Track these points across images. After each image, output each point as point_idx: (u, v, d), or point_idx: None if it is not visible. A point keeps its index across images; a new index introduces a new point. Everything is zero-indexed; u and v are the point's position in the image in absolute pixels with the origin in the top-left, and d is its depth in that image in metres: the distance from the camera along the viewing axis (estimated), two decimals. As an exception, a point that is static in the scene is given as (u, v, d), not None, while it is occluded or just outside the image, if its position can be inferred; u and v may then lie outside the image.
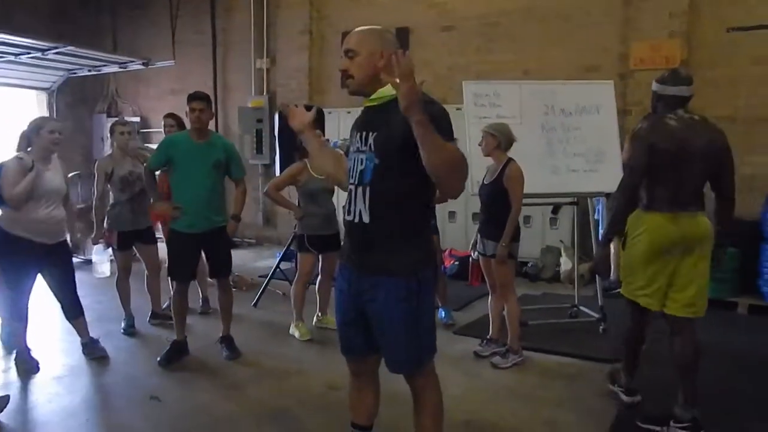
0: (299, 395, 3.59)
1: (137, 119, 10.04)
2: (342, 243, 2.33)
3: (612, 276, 5.72)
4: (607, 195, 4.61)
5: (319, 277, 4.84)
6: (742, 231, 5.67)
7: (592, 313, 4.83)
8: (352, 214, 2.14)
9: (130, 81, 10.28)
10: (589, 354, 4.21)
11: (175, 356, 4.07)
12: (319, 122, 5.45)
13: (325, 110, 6.23)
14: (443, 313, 4.90)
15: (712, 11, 6.33)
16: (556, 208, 6.06)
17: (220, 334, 4.25)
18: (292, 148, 5.21)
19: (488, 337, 4.25)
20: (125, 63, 8.45)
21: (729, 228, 3.11)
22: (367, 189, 2.09)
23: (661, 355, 3.41)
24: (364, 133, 2.13)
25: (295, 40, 8.71)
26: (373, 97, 2.14)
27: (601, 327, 4.67)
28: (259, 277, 6.62)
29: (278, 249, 8.35)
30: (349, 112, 7.74)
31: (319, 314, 4.92)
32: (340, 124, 7.71)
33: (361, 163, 2.11)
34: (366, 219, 2.09)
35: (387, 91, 2.08)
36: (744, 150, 6.23)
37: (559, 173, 4.74)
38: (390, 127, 2.04)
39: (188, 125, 4.15)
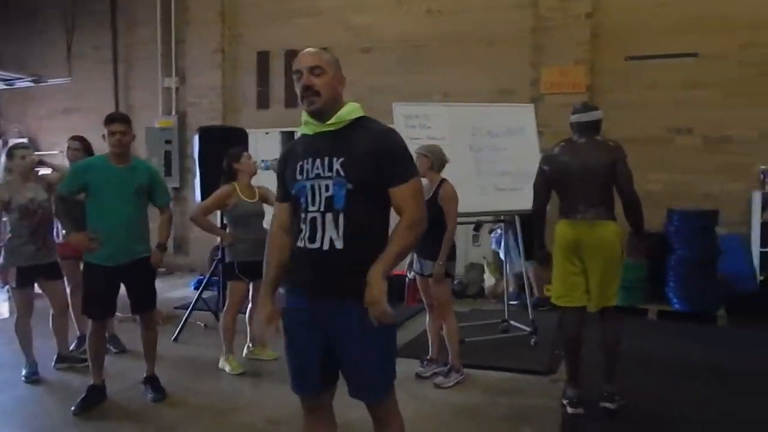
0: (239, 430, 3.39)
1: (24, 140, 9.25)
2: (289, 276, 2.20)
3: (536, 293, 5.98)
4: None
5: (250, 305, 4.63)
6: (650, 244, 6.15)
7: (524, 327, 4.98)
8: (318, 241, 2.05)
9: (15, 98, 9.47)
10: (526, 367, 4.34)
11: (93, 403, 3.69)
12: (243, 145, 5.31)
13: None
14: None
15: (612, 41, 6.87)
16: (477, 226, 6.25)
17: (144, 374, 3.90)
18: (215, 171, 5.00)
19: (428, 357, 4.25)
20: (11, 80, 7.78)
21: (638, 226, 3.58)
22: (340, 215, 2.03)
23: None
24: (326, 159, 2.06)
25: (206, 58, 8.45)
26: (332, 121, 2.08)
27: (533, 340, 4.82)
28: (175, 308, 6.25)
29: (191, 277, 7.99)
30: (267, 133, 7.60)
31: (250, 345, 4.70)
32: (257, 145, 7.51)
33: (327, 190, 2.05)
34: (338, 245, 2.03)
35: (346, 114, 2.08)
36: (646, 168, 6.76)
37: (487, 192, 4.89)
38: (358, 151, 2.04)
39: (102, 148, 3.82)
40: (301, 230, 2.09)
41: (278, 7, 8.25)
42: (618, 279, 3.51)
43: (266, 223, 4.64)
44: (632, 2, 6.82)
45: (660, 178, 6.74)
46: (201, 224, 4.48)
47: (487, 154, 4.93)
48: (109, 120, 3.67)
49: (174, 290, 7.39)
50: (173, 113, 8.67)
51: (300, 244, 2.09)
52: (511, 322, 5.16)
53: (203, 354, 4.79)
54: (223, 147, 5.07)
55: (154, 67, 8.69)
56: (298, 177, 2.10)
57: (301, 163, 2.11)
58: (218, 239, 7.89)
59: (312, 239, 2.06)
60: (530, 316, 4.97)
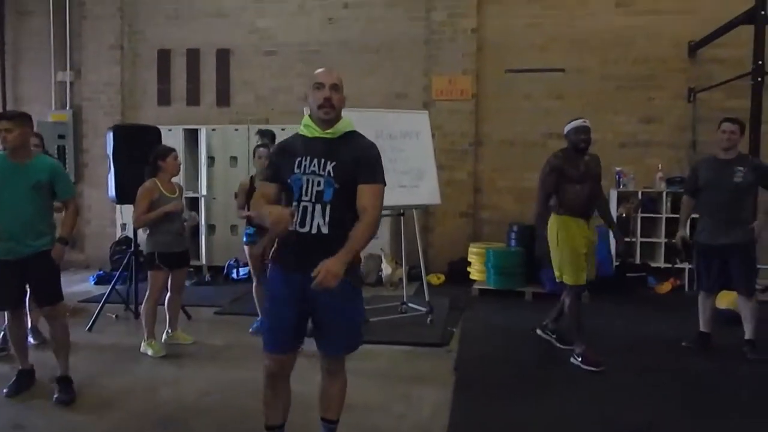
0: (175, 404, 3.70)
1: None
2: (278, 254, 2.62)
3: None
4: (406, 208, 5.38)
5: (168, 294, 4.87)
6: (525, 234, 7.01)
7: (420, 308, 5.59)
8: (308, 226, 2.50)
9: None
10: (424, 341, 4.96)
11: (24, 386, 3.84)
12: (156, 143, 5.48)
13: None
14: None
15: (494, 54, 7.69)
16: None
17: (58, 374, 3.84)
18: (129, 168, 5.17)
19: None
20: None
21: (609, 222, 4.77)
22: (327, 206, 2.49)
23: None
24: (322, 160, 2.51)
25: (103, 53, 8.38)
26: (330, 130, 2.54)
27: (429, 318, 5.44)
28: (80, 302, 6.31)
29: (87, 273, 7.92)
30: (170, 130, 7.70)
31: (169, 330, 4.94)
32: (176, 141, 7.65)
33: (319, 185, 2.50)
34: (325, 231, 2.49)
35: (342, 127, 2.56)
36: (522, 168, 7.67)
37: (389, 188, 5.37)
38: (346, 159, 2.51)
39: None
40: (293, 214, 2.47)
41: (180, 6, 8.36)
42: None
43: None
44: (509, 21, 7.66)
45: (535, 177, 7.60)
46: (146, 222, 4.60)
47: (388, 154, 5.44)
48: None
49: (74, 285, 7.31)
50: (68, 108, 8.49)
51: (290, 228, 2.46)
52: (409, 304, 5.76)
53: (122, 341, 5.00)
54: (137, 145, 5.26)
55: (46, 59, 8.46)
56: (296, 170, 2.53)
57: (299, 158, 2.53)
58: (117, 234, 7.97)
59: (302, 224, 2.50)
60: (426, 298, 5.59)
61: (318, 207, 2.50)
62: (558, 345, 4.81)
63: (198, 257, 7.89)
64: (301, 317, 2.60)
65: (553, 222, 4.46)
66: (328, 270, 2.33)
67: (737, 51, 6.72)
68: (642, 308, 6.26)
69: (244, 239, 5.05)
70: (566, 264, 4.39)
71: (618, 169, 7.31)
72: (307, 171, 2.53)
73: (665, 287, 7.00)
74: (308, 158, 2.53)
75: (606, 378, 4.13)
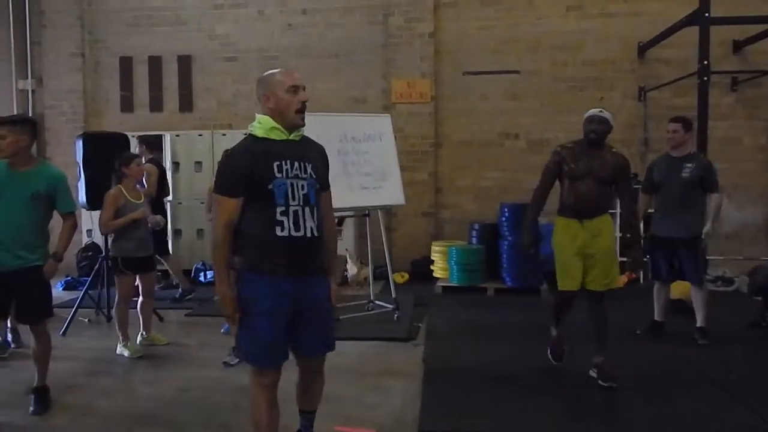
0: (157, 401, 3.84)
1: None
2: (260, 261, 2.48)
3: None
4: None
5: (140, 298, 4.97)
6: (485, 232, 7.25)
7: (387, 305, 5.80)
8: (302, 230, 2.47)
9: None
10: (392, 336, 5.18)
11: None
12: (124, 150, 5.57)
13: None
14: None
15: (451, 58, 7.97)
16: (340, 221, 6.94)
17: (34, 384, 3.76)
18: (99, 174, 5.26)
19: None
20: None
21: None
22: (314, 209, 2.53)
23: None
24: (303, 163, 2.52)
25: (65, 61, 8.36)
26: (298, 133, 2.55)
27: (395, 315, 5.66)
28: (49, 309, 6.33)
29: (55, 279, 7.85)
30: (134, 137, 7.71)
31: (144, 333, 5.04)
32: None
33: (303, 188, 2.50)
34: (316, 233, 2.52)
35: (302, 129, 2.58)
36: (482, 167, 7.97)
37: (353, 190, 5.61)
38: (316, 160, 2.61)
39: None
40: (280, 222, 2.44)
41: (139, 14, 8.40)
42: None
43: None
44: (464, 24, 7.94)
45: (493, 175, 7.97)
46: (114, 228, 4.70)
47: (352, 157, 5.66)
48: None
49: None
50: (29, 115, 8.41)
51: (282, 233, 2.44)
52: (376, 302, 5.97)
53: (98, 344, 5.11)
54: (106, 152, 5.35)
55: (6, 68, 8.39)
56: (278, 175, 2.45)
57: (278, 162, 2.46)
58: (83, 240, 7.95)
59: (297, 228, 2.46)
60: (393, 295, 5.81)
61: (308, 210, 2.50)
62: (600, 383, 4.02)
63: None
64: (290, 325, 2.54)
65: (555, 223, 4.10)
66: (334, 296, 2.67)
67: (683, 51, 7.08)
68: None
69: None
70: (557, 267, 4.03)
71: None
72: (290, 175, 2.47)
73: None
74: (288, 162, 2.48)
75: (566, 366, 4.32)
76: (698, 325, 4.86)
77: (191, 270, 7.84)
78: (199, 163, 7.98)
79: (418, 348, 4.89)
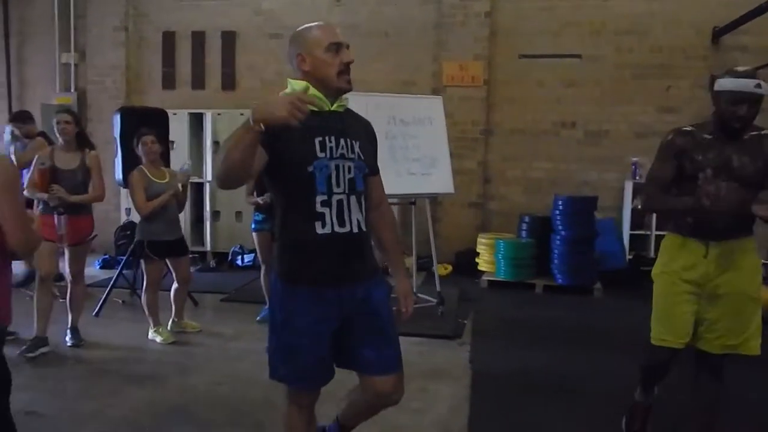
0: (186, 394, 3.62)
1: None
2: (298, 267, 2.02)
3: None
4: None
5: (175, 285, 4.74)
6: (536, 226, 6.87)
7: (430, 299, 5.47)
8: (348, 224, 1.99)
9: None
10: (436, 333, 4.85)
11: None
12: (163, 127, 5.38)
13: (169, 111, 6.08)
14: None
15: (507, 40, 7.51)
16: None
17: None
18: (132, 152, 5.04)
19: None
20: None
21: None
22: (361, 198, 2.05)
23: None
24: (348, 140, 2.02)
25: (108, 35, 8.21)
26: (342, 103, 2.07)
27: (439, 310, 5.33)
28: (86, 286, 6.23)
29: (92, 257, 7.78)
30: (174, 114, 7.55)
31: (175, 319, 4.83)
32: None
33: (349, 171, 2.01)
34: (364, 227, 2.04)
35: (345, 99, 2.10)
36: (533, 157, 7.54)
37: (401, 176, 5.29)
38: (363, 137, 2.11)
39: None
40: (320, 215, 1.96)
41: (185, -12, 8.19)
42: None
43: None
44: (523, 4, 7.46)
45: (545, 166, 7.52)
46: (152, 210, 4.43)
47: (400, 141, 5.33)
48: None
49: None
50: (72, 90, 8.34)
51: (323, 230, 1.96)
52: (420, 294, 5.65)
53: (130, 327, 4.92)
54: (144, 127, 5.13)
55: (50, 42, 8.30)
56: (320, 154, 1.96)
57: (320, 139, 1.97)
58: (121, 218, 7.84)
59: (341, 223, 1.98)
60: (437, 289, 5.47)
61: (353, 199, 2.01)
62: None
63: (202, 243, 7.81)
64: (333, 340, 2.09)
65: (661, 245, 2.78)
66: (410, 298, 2.22)
67: (763, 38, 6.52)
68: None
69: (252, 226, 4.93)
70: (654, 310, 2.71)
71: (634, 159, 7.16)
72: (335, 155, 1.99)
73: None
74: (333, 138, 1.99)
75: (621, 377, 3.95)
76: None
77: (228, 253, 7.67)
78: (240, 144, 7.74)
79: (464, 347, 4.58)
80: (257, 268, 5.79)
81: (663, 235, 2.59)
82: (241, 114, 7.75)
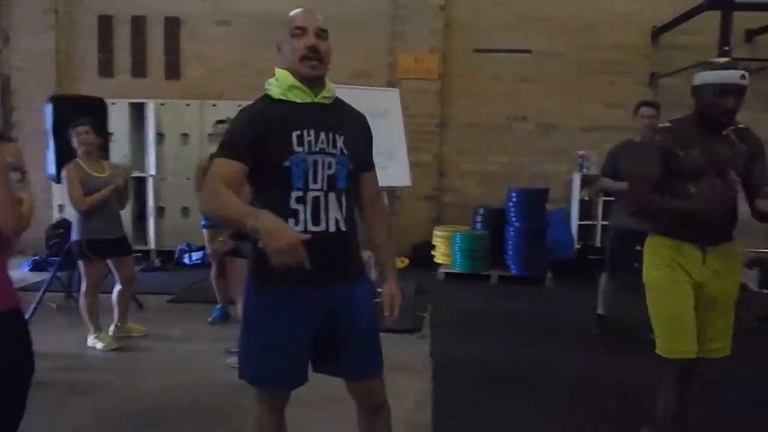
0: (135, 400, 3.38)
1: None
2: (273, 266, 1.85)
3: None
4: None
5: (117, 287, 4.42)
6: (490, 218, 6.91)
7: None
8: (325, 222, 1.89)
9: None
10: (395, 327, 4.69)
11: None
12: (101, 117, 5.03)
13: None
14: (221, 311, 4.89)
15: (462, 33, 7.48)
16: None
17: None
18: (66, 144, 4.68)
19: None
20: None
21: None
22: (342, 195, 1.93)
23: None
24: (330, 134, 1.92)
25: (35, 18, 7.66)
26: (326, 94, 1.96)
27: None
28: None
29: (22, 259, 7.29)
30: (114, 104, 7.15)
31: (119, 323, 4.50)
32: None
33: (330, 167, 1.90)
34: (343, 227, 1.92)
35: (333, 89, 2.00)
36: (487, 150, 7.56)
37: (358, 169, 5.15)
38: (351, 131, 1.99)
39: None
40: (294, 212, 1.87)
41: (122, -32, 7.74)
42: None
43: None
44: (478, -1, 7.45)
45: (499, 159, 7.55)
46: (91, 204, 4.09)
47: (357, 133, 5.19)
48: None
49: (6, 273, 6.70)
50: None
51: (295, 228, 1.85)
52: (378, 289, 5.53)
53: (67, 334, 4.54)
54: (80, 118, 4.77)
55: (-29, 25, 7.68)
56: (297, 148, 1.87)
57: (298, 132, 1.87)
58: (53, 216, 7.35)
59: (316, 221, 1.88)
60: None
61: (332, 197, 1.90)
62: None
63: (146, 241, 7.43)
64: (310, 342, 1.99)
65: (645, 252, 2.62)
66: (397, 300, 2.07)
67: (699, 38, 6.74)
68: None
69: (203, 222, 4.68)
70: (658, 319, 2.50)
71: (581, 152, 7.29)
72: (314, 149, 1.88)
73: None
74: (313, 132, 1.89)
75: (575, 368, 4.04)
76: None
77: (174, 251, 7.32)
78: (185, 135, 7.39)
79: (423, 340, 4.54)
80: (207, 266, 5.56)
81: (607, 225, 2.51)
82: (187, 105, 7.42)
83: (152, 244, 7.42)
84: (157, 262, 7.22)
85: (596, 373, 3.94)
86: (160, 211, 7.47)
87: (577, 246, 7.16)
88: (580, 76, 7.44)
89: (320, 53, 1.89)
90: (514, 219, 6.71)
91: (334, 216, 1.90)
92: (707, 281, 2.43)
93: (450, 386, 3.66)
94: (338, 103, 2.03)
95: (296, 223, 1.86)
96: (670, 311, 2.42)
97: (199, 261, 6.95)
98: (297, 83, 1.90)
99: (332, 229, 1.90)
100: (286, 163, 1.85)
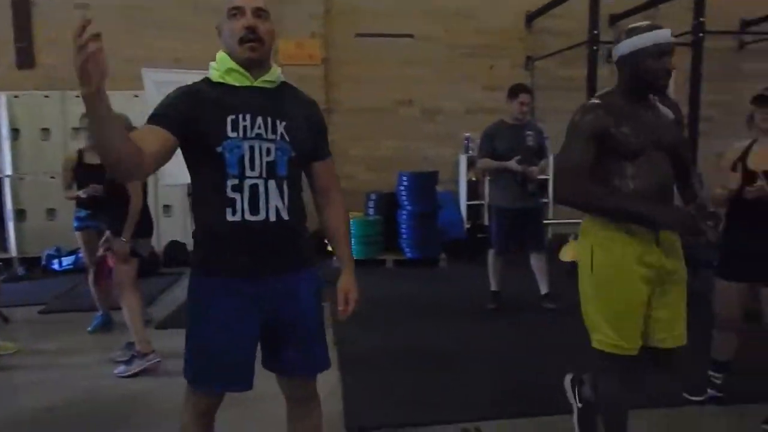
0: (10, 427, 3.00)
1: None
2: (210, 256, 1.86)
3: None
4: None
5: None
6: (383, 203, 6.92)
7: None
8: (264, 211, 1.80)
9: None
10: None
11: None
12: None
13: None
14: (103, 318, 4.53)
15: (343, 18, 7.38)
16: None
17: None
18: None
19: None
20: None
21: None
22: (284, 183, 1.84)
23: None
24: (269, 119, 1.82)
25: None
26: (268, 78, 1.86)
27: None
28: None
29: None
30: (16, 96, 6.42)
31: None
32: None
33: (268, 154, 1.81)
34: (285, 216, 1.83)
35: (278, 73, 1.90)
36: (375, 135, 7.56)
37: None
38: (296, 117, 1.89)
39: None
40: (231, 200, 1.78)
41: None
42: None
43: None
44: (356, -17, 7.36)
45: (388, 144, 7.58)
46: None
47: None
48: None
49: None
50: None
51: (233, 218, 1.78)
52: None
53: None
54: None
55: None
56: (231, 134, 1.77)
57: (233, 117, 1.78)
58: None
59: (254, 210, 1.79)
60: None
61: (272, 184, 1.81)
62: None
63: (5, 249, 6.68)
64: (256, 339, 1.91)
65: (585, 236, 2.31)
66: (352, 295, 2.04)
67: (569, 23, 7.11)
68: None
69: (75, 224, 4.25)
70: (601, 311, 2.23)
71: (466, 134, 7.48)
72: (249, 135, 1.79)
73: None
74: (249, 117, 1.80)
75: (476, 346, 4.15)
76: (544, 292, 4.84)
77: (41, 258, 6.63)
78: (46, 131, 6.69)
79: (326, 330, 4.40)
80: (81, 271, 5.09)
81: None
82: (46, 96, 6.75)
83: (13, 252, 6.70)
84: (20, 271, 6.51)
85: (498, 345, 4.07)
86: (20, 214, 6.73)
87: (467, 226, 7.36)
88: (461, 59, 7.60)
89: (259, 34, 1.80)
90: (406, 203, 6.78)
91: (275, 204, 1.82)
92: (663, 260, 2.20)
93: (358, 374, 3.61)
94: (284, 88, 1.94)
95: (233, 213, 1.78)
96: (619, 304, 2.20)
97: (71, 266, 6.36)
98: (235, 66, 1.82)
99: (272, 218, 1.81)
100: (219, 149, 1.77)
